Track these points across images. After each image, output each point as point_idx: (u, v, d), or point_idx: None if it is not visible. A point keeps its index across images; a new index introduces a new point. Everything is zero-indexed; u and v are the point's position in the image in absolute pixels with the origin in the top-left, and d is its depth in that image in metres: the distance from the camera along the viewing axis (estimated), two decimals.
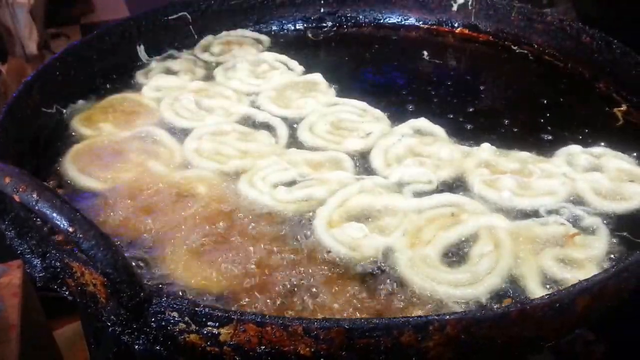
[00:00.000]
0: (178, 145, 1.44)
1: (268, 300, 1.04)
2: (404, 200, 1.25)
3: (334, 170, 1.35)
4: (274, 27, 2.02)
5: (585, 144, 1.43)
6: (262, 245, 1.15)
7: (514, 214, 1.23)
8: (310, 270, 1.10)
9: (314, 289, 1.06)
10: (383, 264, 1.12)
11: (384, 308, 1.03)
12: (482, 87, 1.71)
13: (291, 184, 1.31)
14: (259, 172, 1.33)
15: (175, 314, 0.87)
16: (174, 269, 1.10)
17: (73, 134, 1.47)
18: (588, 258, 1.13)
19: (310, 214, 1.22)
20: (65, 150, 1.40)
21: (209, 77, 1.73)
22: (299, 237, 1.17)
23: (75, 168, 1.34)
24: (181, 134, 1.48)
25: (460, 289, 1.06)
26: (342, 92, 1.65)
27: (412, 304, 1.04)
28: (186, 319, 0.86)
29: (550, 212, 1.23)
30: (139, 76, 1.72)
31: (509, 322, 0.88)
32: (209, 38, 1.90)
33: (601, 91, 1.66)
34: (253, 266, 1.10)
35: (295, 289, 1.06)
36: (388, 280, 1.08)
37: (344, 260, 1.12)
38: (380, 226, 1.20)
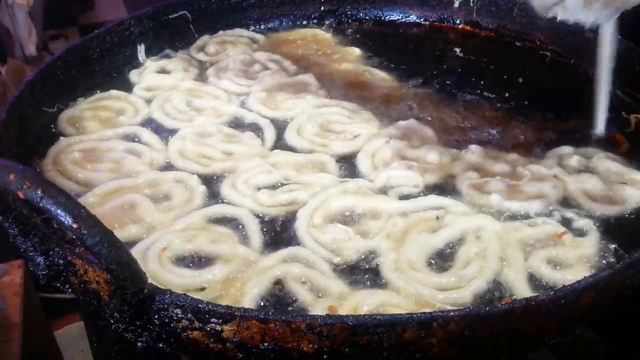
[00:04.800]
0: (162, 146, 1.43)
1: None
2: (388, 203, 1.24)
3: (319, 172, 1.33)
4: (274, 26, 2.02)
5: (584, 143, 1.42)
6: None
7: (503, 218, 1.22)
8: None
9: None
10: (366, 268, 1.11)
11: None
12: (482, 86, 1.69)
13: (275, 187, 1.30)
14: (242, 174, 1.31)
15: (178, 310, 0.86)
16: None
17: (59, 133, 1.47)
18: (578, 259, 1.12)
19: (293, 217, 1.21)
20: (48, 150, 1.39)
21: (202, 77, 1.73)
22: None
23: (54, 169, 1.33)
24: (169, 134, 1.47)
25: (446, 292, 1.05)
26: (336, 92, 1.64)
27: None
28: (189, 315, 0.86)
29: (540, 215, 1.22)
30: (133, 75, 1.72)
31: (513, 318, 0.87)
32: (204, 38, 1.90)
33: None
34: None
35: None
36: (370, 284, 1.07)
37: (326, 262, 1.11)
38: (363, 229, 1.19)
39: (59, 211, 0.77)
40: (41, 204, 0.77)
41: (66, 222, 0.76)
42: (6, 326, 1.40)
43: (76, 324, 1.98)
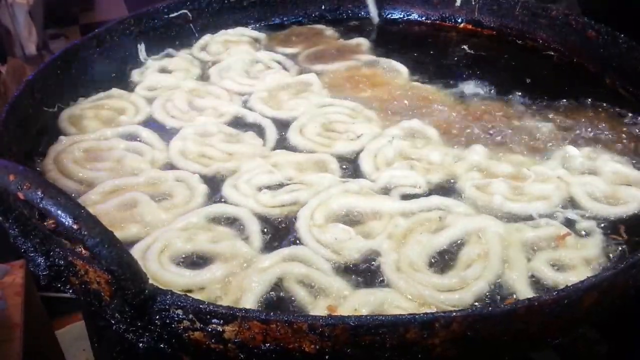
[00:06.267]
0: (163, 145, 1.43)
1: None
2: (390, 203, 1.23)
3: (320, 172, 1.33)
4: (276, 25, 2.01)
5: (585, 144, 1.41)
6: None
7: (506, 219, 1.21)
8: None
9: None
10: (367, 268, 1.11)
11: None
12: (484, 85, 1.69)
13: (276, 187, 1.29)
14: (243, 175, 1.31)
15: (179, 311, 0.86)
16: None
17: (60, 132, 1.46)
18: (581, 260, 1.11)
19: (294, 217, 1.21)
20: (49, 150, 1.39)
21: (204, 77, 1.73)
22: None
23: (55, 168, 1.33)
24: (170, 133, 1.47)
25: (447, 293, 1.04)
26: (339, 92, 1.64)
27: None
28: (190, 316, 0.86)
29: (543, 217, 1.21)
30: (135, 75, 1.71)
31: (516, 318, 0.87)
32: (206, 37, 1.90)
33: (607, 86, 1.65)
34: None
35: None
36: (371, 284, 1.07)
37: (327, 262, 1.11)
38: (365, 229, 1.18)
39: (59, 212, 0.76)
40: (41, 205, 0.77)
41: (66, 222, 0.76)
42: (7, 326, 1.41)
43: (78, 323, 1.97)
